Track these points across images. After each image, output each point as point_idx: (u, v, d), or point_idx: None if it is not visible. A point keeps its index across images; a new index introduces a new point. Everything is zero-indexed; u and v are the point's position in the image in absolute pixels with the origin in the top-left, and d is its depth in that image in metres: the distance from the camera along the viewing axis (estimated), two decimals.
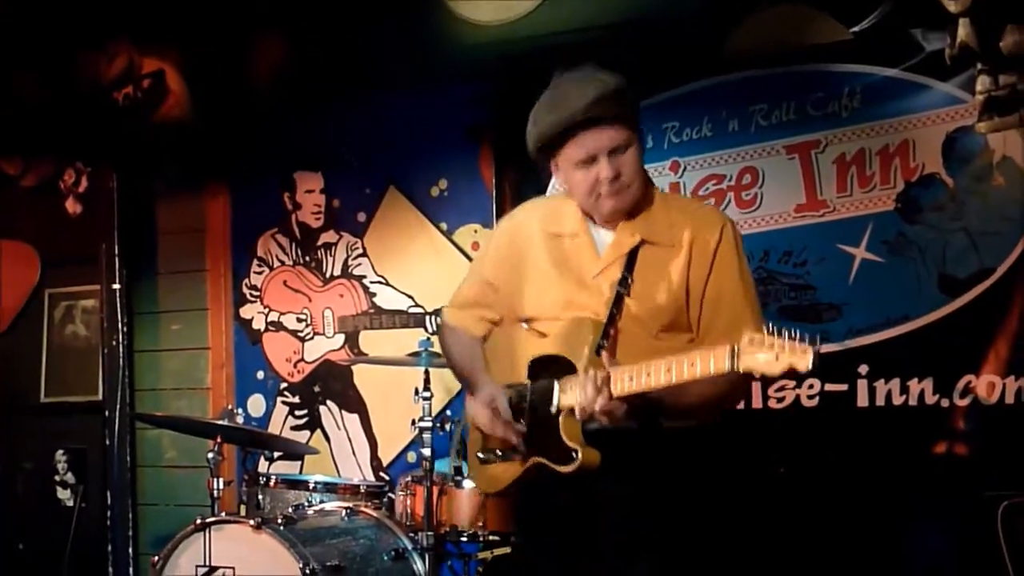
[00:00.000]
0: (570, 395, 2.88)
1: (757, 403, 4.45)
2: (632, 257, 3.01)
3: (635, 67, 4.59)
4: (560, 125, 2.94)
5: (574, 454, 2.85)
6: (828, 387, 4.35)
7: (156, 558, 4.18)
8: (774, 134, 4.50)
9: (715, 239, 3.01)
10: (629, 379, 2.78)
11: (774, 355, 2.50)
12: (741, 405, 4.42)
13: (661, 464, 2.95)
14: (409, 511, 4.38)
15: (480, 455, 3.11)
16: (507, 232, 3.25)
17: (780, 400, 4.42)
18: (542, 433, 2.95)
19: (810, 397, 4.38)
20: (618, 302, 2.98)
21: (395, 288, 5.28)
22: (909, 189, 4.26)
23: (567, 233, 3.10)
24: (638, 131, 3.01)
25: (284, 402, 5.52)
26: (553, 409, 2.93)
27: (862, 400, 4.28)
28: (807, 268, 4.42)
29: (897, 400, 4.23)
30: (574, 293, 3.04)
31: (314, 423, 5.44)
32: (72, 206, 5.93)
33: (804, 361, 2.47)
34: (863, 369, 4.29)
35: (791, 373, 2.49)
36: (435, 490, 4.20)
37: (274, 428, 5.46)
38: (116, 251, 5.67)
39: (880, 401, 4.26)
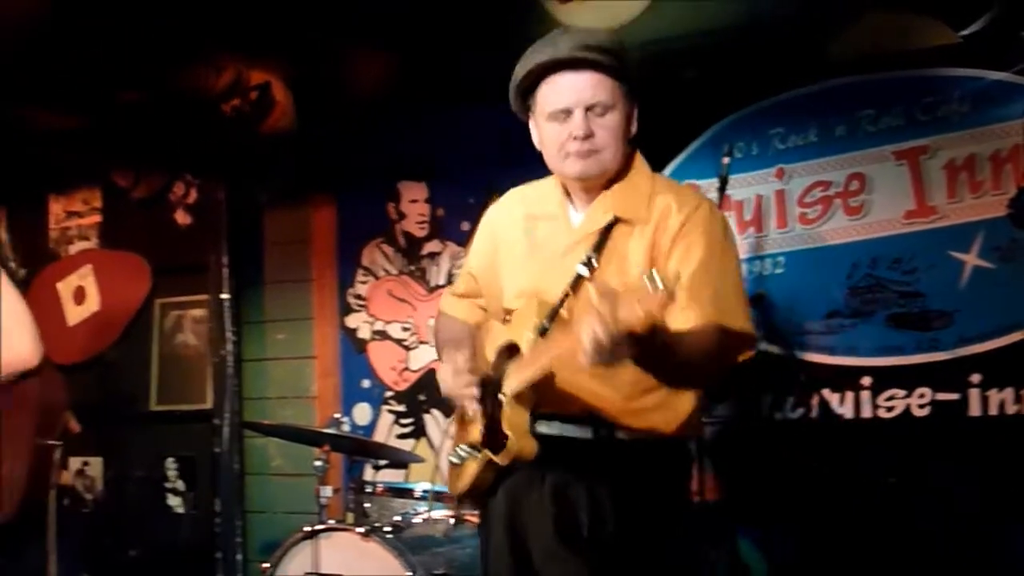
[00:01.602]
0: (511, 380, 2.80)
1: (867, 412, 4.39)
2: (604, 237, 2.90)
3: (740, 73, 4.63)
4: (539, 63, 2.86)
5: (507, 442, 2.77)
6: (939, 396, 4.28)
7: (266, 565, 4.23)
8: (882, 139, 4.44)
9: (682, 218, 2.87)
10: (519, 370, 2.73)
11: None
12: (850, 414, 4.39)
13: (614, 473, 2.87)
14: None
15: (451, 458, 3.04)
16: (488, 220, 3.23)
17: (890, 410, 4.36)
18: (494, 426, 2.87)
19: (921, 407, 4.31)
20: (575, 283, 2.87)
21: None
22: (1022, 195, 4.18)
23: (545, 215, 3.03)
24: (629, 100, 2.90)
25: (389, 410, 5.55)
26: (501, 397, 2.84)
27: (974, 410, 4.20)
28: (917, 275, 4.35)
29: (1010, 410, 4.15)
30: (544, 277, 2.94)
31: (419, 431, 5.46)
32: (182, 217, 6.03)
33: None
34: (975, 378, 4.20)
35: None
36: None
37: (379, 436, 5.49)
38: (225, 261, 5.75)
39: (993, 411, 4.17)
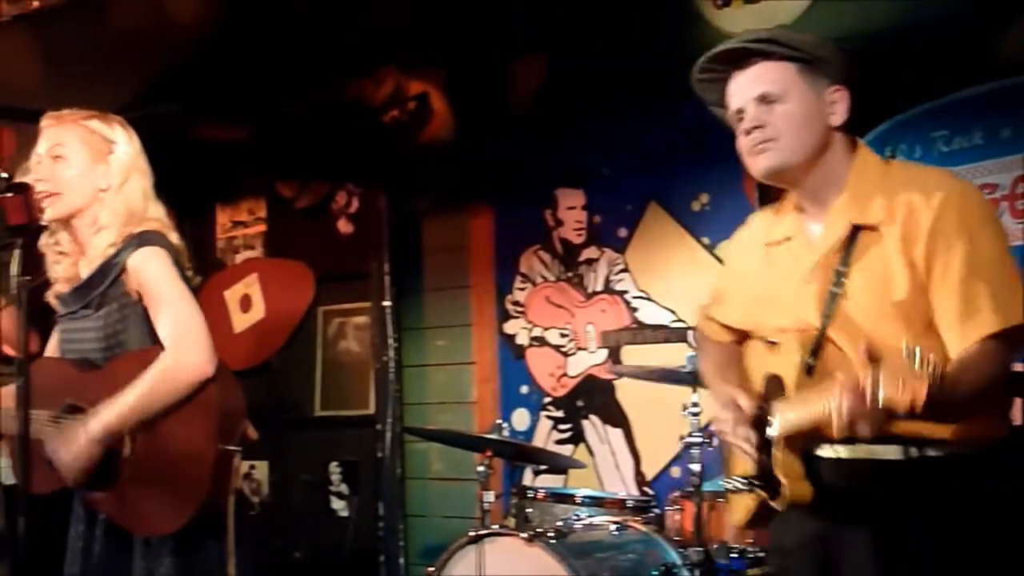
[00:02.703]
0: (784, 422, 2.56)
1: None
2: (849, 249, 2.62)
3: (902, 75, 4.56)
4: (702, 59, 2.73)
5: (780, 488, 2.58)
6: None
7: (431, 568, 4.28)
8: None
9: (932, 214, 2.54)
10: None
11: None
12: None
13: (922, 500, 2.57)
14: (678, 526, 4.38)
15: (726, 484, 2.85)
16: (735, 245, 3.04)
17: None
18: (766, 465, 2.66)
19: None
20: (830, 307, 2.61)
21: (657, 303, 5.28)
22: None
23: (782, 238, 2.79)
24: (815, 85, 2.66)
25: (548, 416, 5.58)
26: (769, 435, 2.62)
27: None
28: None
29: None
30: (797, 306, 2.69)
31: (578, 437, 5.48)
32: (344, 226, 6.14)
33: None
34: None
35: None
36: (705, 506, 4.18)
37: (538, 442, 5.51)
38: (386, 269, 5.84)
39: None
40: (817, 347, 2.61)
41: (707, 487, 4.18)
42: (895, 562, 2.58)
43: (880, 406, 2.19)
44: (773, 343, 2.78)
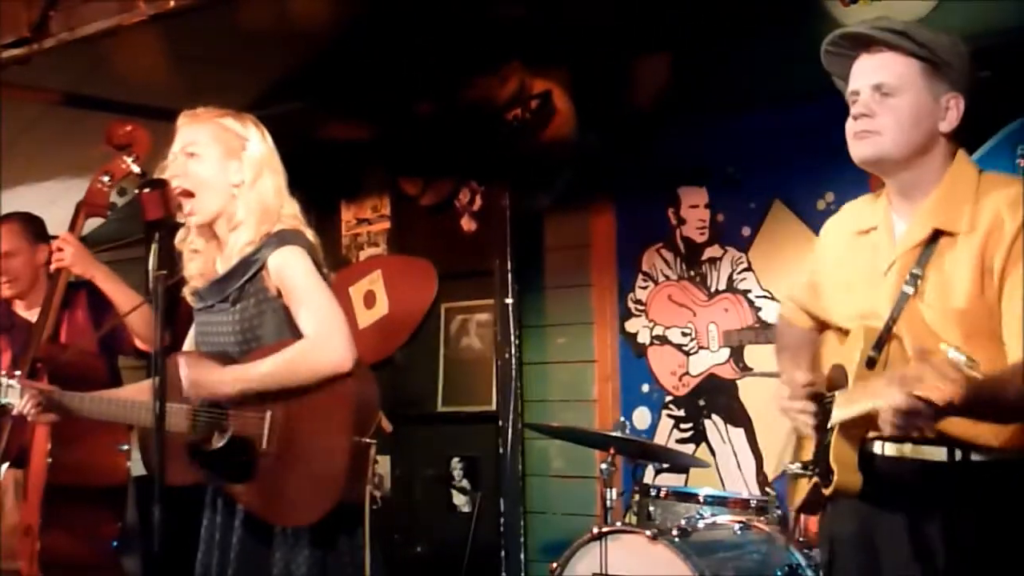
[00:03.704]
0: (839, 411, 2.63)
1: None
2: (928, 252, 2.65)
3: None
4: (835, 34, 2.75)
5: (831, 475, 2.64)
6: None
7: (554, 565, 4.31)
8: None
9: (1016, 226, 2.55)
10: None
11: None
12: None
13: (965, 503, 2.59)
14: (802, 527, 4.34)
15: (788, 468, 2.94)
16: (825, 232, 3.05)
17: None
18: (823, 451, 2.72)
19: None
20: (900, 306, 2.64)
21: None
22: None
23: (868, 228, 2.82)
24: (934, 87, 2.66)
25: (669, 415, 5.56)
26: (828, 424, 2.69)
27: None
28: None
29: None
30: (869, 297, 2.74)
31: (699, 436, 5.46)
32: (467, 224, 6.18)
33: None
34: None
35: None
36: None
37: (659, 441, 5.49)
38: (509, 267, 5.87)
39: None
40: (881, 342, 2.65)
41: None
42: (935, 561, 2.62)
43: (916, 403, 2.28)
44: (846, 332, 2.82)
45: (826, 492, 2.69)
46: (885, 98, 2.67)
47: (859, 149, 2.71)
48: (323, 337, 3.23)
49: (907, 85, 2.67)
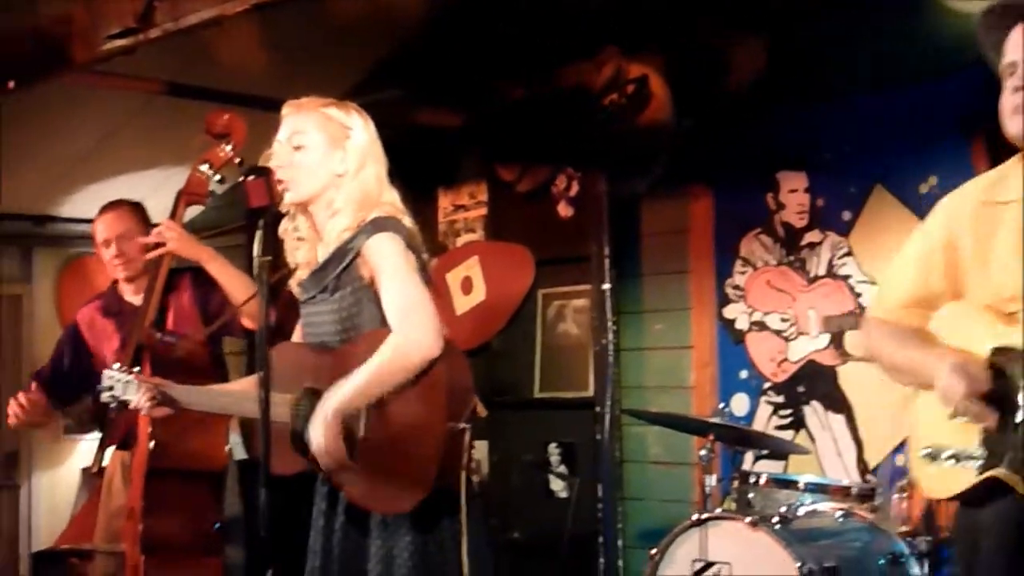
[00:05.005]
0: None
1: None
2: None
3: None
4: (982, 11, 2.65)
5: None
6: None
7: (654, 551, 4.30)
8: None
9: None
10: None
11: None
12: None
13: None
14: (904, 515, 4.30)
15: (928, 452, 2.73)
16: (940, 211, 2.89)
17: None
18: (1002, 441, 2.55)
19: None
20: None
21: None
22: None
23: (1008, 200, 2.67)
24: None
25: (768, 401, 5.52)
26: (1019, 417, 2.50)
27: None
28: None
29: None
30: (1005, 266, 2.62)
31: (798, 423, 5.41)
32: (564, 210, 6.17)
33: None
34: None
35: None
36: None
37: (758, 427, 5.45)
38: (606, 252, 5.86)
39: None
40: None
41: None
42: None
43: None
44: (1011, 313, 2.66)
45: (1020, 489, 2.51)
46: None
47: (1015, 125, 2.58)
48: (406, 329, 3.22)
49: None
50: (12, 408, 4.68)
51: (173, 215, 4.61)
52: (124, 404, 3.78)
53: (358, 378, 3.23)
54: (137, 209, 5.05)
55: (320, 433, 3.22)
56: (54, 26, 4.76)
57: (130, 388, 3.73)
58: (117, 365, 3.85)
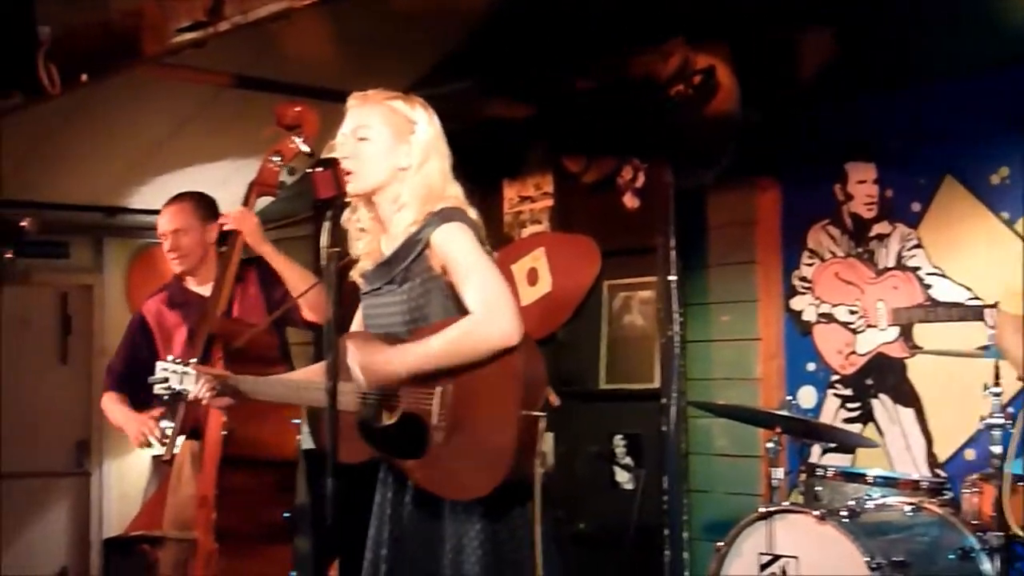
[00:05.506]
0: None
1: None
2: None
3: None
4: None
5: None
6: None
7: (720, 544, 4.29)
8: None
9: None
10: None
11: None
12: None
13: None
14: (975, 509, 4.25)
15: None
16: None
17: None
18: None
19: None
20: None
21: (952, 280, 5.12)
22: None
23: None
24: None
25: (835, 394, 5.49)
26: None
27: None
28: None
29: None
30: None
31: (866, 416, 5.37)
32: (630, 201, 6.17)
33: None
34: None
35: None
36: (1007, 489, 4.04)
37: (825, 420, 5.42)
38: (672, 244, 5.83)
39: None
40: None
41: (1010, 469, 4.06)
42: None
43: None
44: None
45: None
46: None
47: None
48: (489, 312, 3.23)
49: None
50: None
51: (245, 204, 4.65)
52: (179, 395, 3.83)
53: (433, 342, 3.26)
54: (201, 203, 5.07)
55: (372, 356, 3.28)
56: (125, 20, 4.81)
57: (188, 379, 3.78)
58: (171, 357, 3.90)
